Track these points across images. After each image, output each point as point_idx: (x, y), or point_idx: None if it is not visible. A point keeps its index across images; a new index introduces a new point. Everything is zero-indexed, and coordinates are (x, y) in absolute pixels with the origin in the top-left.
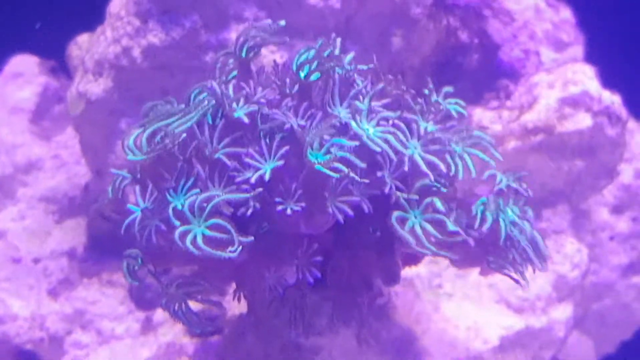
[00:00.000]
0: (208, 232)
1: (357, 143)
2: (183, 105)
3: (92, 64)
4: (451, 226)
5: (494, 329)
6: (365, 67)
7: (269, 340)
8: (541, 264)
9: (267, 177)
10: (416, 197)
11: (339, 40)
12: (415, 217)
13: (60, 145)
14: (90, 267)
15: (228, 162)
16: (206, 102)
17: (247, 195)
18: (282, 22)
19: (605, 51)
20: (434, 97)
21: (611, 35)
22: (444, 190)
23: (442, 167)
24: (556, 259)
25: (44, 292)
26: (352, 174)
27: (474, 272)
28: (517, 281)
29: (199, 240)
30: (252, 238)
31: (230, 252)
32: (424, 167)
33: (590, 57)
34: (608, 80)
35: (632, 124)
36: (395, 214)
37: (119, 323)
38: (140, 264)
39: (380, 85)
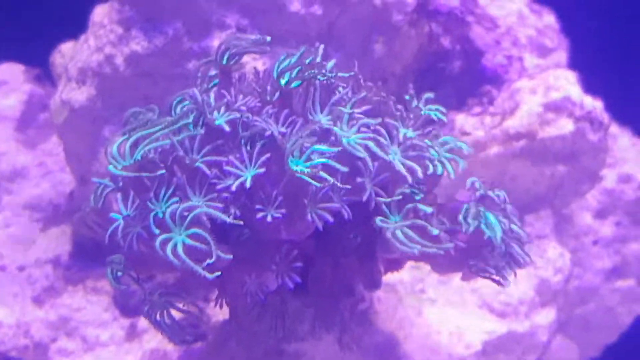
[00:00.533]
0: (188, 241)
1: (338, 149)
2: (168, 118)
3: (75, 72)
4: (435, 231)
5: (476, 334)
6: (346, 75)
7: (251, 347)
8: (522, 264)
9: (248, 184)
10: (398, 197)
11: (321, 47)
12: (397, 223)
13: (45, 153)
14: (74, 275)
15: (207, 172)
16: (191, 118)
17: (227, 218)
18: (268, 38)
19: (589, 57)
20: (414, 103)
21: (594, 41)
22: (421, 195)
23: (420, 173)
24: (539, 263)
25: (29, 299)
26: (333, 181)
27: (457, 278)
28: (497, 282)
29: (179, 249)
30: (231, 256)
31: (207, 267)
32: (404, 173)
33: (574, 62)
34: (591, 85)
35: (614, 128)
36: (378, 219)
37: (103, 330)
38: (124, 270)
39: (362, 93)
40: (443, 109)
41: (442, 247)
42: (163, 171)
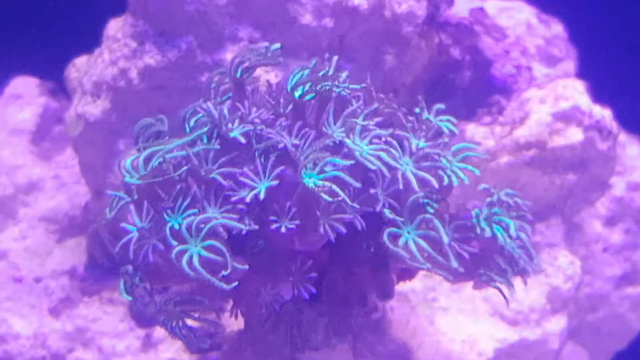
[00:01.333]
0: (204, 253)
1: (351, 162)
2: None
3: (90, 85)
4: (445, 239)
5: (488, 342)
6: (357, 87)
7: (266, 356)
8: (532, 271)
9: (262, 196)
10: (408, 222)
11: (335, 58)
12: (409, 233)
13: (60, 166)
14: (90, 286)
15: (223, 182)
16: (206, 129)
17: (242, 226)
18: (278, 45)
19: (597, 65)
20: (425, 115)
21: (602, 50)
22: (435, 206)
23: (434, 183)
24: (549, 271)
25: (46, 310)
26: (344, 197)
27: (468, 286)
28: (503, 294)
29: (195, 260)
30: (247, 266)
31: (222, 279)
32: (415, 184)
33: (583, 71)
34: (600, 94)
35: (623, 137)
36: (387, 230)
37: (119, 340)
38: (138, 281)
39: (375, 105)
40: (454, 120)
41: (450, 265)
42: (179, 173)
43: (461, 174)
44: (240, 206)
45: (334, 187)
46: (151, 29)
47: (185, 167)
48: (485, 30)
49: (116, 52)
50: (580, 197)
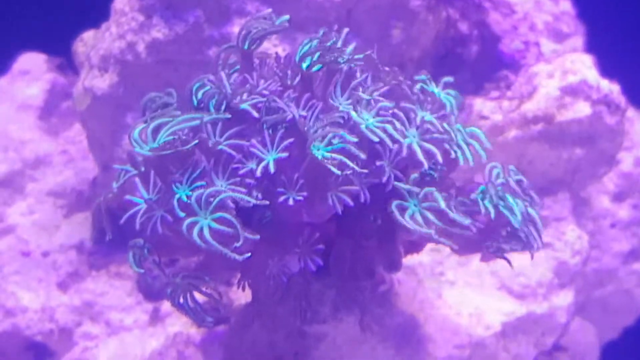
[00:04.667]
0: (214, 225)
1: (357, 139)
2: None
3: (97, 59)
4: (443, 204)
5: (496, 315)
6: (361, 56)
7: (273, 329)
8: (537, 247)
9: (272, 168)
10: (417, 189)
11: (345, 30)
12: (415, 206)
13: (68, 141)
14: (98, 260)
15: (233, 153)
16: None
17: (252, 200)
18: (286, 17)
19: (605, 41)
20: (431, 87)
21: (611, 25)
22: (436, 176)
23: (439, 156)
24: (557, 245)
25: (54, 284)
26: (353, 166)
27: (476, 260)
28: (510, 262)
29: (206, 232)
30: (258, 236)
31: (235, 250)
32: (421, 156)
33: (590, 47)
34: (608, 69)
35: (631, 112)
36: (395, 202)
37: (127, 314)
38: (147, 254)
39: (381, 76)
40: (452, 92)
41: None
42: (190, 147)
43: (467, 151)
44: (249, 180)
45: (344, 159)
46: (158, 2)
47: (196, 141)
48: (493, 6)
49: (124, 26)
50: (588, 172)
